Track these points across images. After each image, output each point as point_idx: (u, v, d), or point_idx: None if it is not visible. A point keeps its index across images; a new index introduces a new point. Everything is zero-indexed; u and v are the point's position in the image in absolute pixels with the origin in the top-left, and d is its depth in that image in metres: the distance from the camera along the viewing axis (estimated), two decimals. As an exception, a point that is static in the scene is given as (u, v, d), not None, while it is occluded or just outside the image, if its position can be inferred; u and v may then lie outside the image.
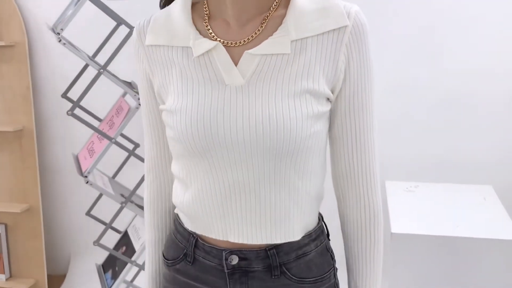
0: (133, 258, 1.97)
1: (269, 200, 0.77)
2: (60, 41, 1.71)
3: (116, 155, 2.17)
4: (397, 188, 2.07)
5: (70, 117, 1.84)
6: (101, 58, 1.92)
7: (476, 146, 2.19)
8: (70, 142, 2.47)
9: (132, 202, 1.99)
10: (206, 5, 0.81)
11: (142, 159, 1.85)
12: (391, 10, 2.14)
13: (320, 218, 0.88)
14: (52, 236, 2.65)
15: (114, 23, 1.95)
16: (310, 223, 0.83)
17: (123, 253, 2.05)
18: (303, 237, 0.82)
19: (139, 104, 1.86)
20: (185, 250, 0.85)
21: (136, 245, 2.02)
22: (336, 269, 0.88)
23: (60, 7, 1.96)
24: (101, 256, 2.28)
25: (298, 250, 0.81)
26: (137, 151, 1.97)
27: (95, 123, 2.09)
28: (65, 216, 2.63)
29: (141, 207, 1.98)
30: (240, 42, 0.76)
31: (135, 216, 2.15)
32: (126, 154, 2.13)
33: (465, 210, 1.86)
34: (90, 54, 1.94)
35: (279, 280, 0.81)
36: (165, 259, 0.89)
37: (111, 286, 2.03)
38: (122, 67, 2.06)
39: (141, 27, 0.83)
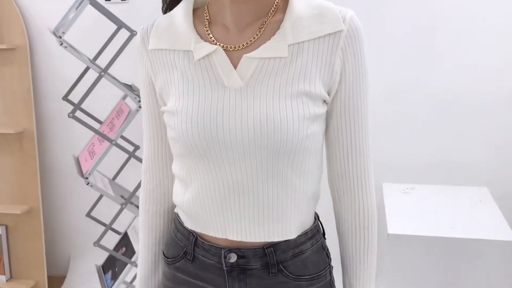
0: (132, 259, 1.99)
1: (267, 198, 0.79)
2: (61, 44, 1.73)
3: (116, 157, 2.19)
4: (394, 190, 2.10)
5: (71, 119, 1.86)
6: (102, 61, 1.95)
7: (472, 149, 2.22)
8: (70, 144, 2.49)
9: (132, 203, 2.01)
10: (206, 11, 0.83)
11: (142, 161, 1.87)
12: (390, 11, 2.16)
13: (316, 217, 0.90)
14: (52, 238, 2.66)
15: (114, 27, 1.98)
16: (307, 222, 0.86)
17: (123, 254, 2.07)
18: (300, 235, 0.84)
19: (139, 107, 1.88)
20: (185, 249, 0.87)
21: (136, 246, 2.04)
22: (332, 267, 0.90)
23: (61, 11, 1.99)
24: (101, 257, 2.30)
25: (294, 249, 0.83)
26: (137, 153, 1.99)
27: (96, 125, 2.11)
28: (65, 218, 2.64)
29: (141, 208, 2.00)
30: (239, 46, 0.79)
31: (135, 218, 2.17)
32: (126, 156, 2.15)
33: (461, 211, 1.88)
34: (91, 57, 1.96)
35: (276, 277, 0.83)
36: (166, 257, 0.91)
37: (111, 286, 2.05)
38: (122, 70, 2.09)
39: (144, 32, 0.85)
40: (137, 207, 2.04)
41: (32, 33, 2.40)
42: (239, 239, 0.81)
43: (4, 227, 2.47)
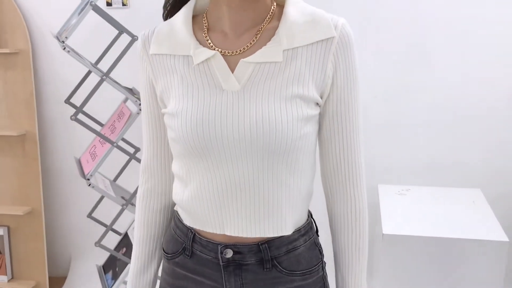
0: (133, 259, 2.02)
1: (262, 195, 0.83)
2: (64, 48, 1.77)
3: (117, 159, 2.23)
4: (389, 191, 2.13)
5: (72, 122, 1.89)
6: (103, 65, 1.99)
7: (466, 151, 2.25)
8: (72, 147, 2.52)
9: (132, 204, 2.05)
10: (205, 18, 0.87)
11: (142, 163, 1.91)
12: (387, 16, 2.20)
13: (309, 215, 0.94)
14: (53, 238, 2.69)
15: (116, 32, 2.02)
16: (300, 219, 0.89)
17: (123, 254, 2.10)
18: (293, 232, 0.88)
19: (140, 110, 1.92)
20: (183, 245, 0.91)
21: (136, 247, 2.08)
22: (325, 263, 0.94)
23: (63, 16, 2.03)
24: (102, 258, 2.33)
25: (288, 245, 0.87)
26: (138, 155, 2.02)
27: (97, 128, 2.15)
28: (66, 219, 2.67)
29: (141, 209, 2.03)
30: (236, 51, 0.83)
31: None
32: (127, 158, 2.19)
33: (455, 212, 1.92)
34: (93, 61, 2.00)
35: (270, 272, 0.87)
36: (165, 253, 0.95)
37: (112, 286, 2.08)
38: (123, 74, 2.13)
39: (145, 37, 0.89)
40: (138, 208, 2.09)
41: (34, 38, 2.44)
42: (236, 235, 0.85)
43: (6, 228, 2.51)
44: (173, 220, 0.96)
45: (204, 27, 0.87)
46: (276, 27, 0.83)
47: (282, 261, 0.87)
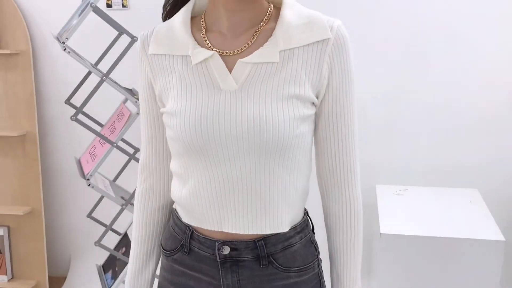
0: (132, 259, 2.04)
1: (259, 193, 0.84)
2: (65, 49, 1.79)
3: (116, 159, 2.24)
4: (387, 192, 2.15)
5: (72, 122, 1.91)
6: (103, 66, 2.00)
7: (463, 152, 2.27)
8: (72, 147, 2.54)
9: (132, 204, 2.06)
10: (203, 19, 0.89)
11: (142, 163, 1.92)
12: (386, 18, 2.22)
13: (306, 213, 0.95)
14: (53, 238, 2.70)
15: (116, 33, 2.03)
16: (296, 217, 0.91)
17: (123, 254, 2.12)
18: (289, 229, 0.89)
19: (140, 111, 1.94)
20: (182, 242, 0.92)
21: (136, 246, 2.09)
22: (321, 260, 0.96)
23: (63, 17, 2.05)
24: (101, 258, 2.34)
25: (284, 242, 0.89)
26: (137, 155, 2.04)
27: (97, 128, 2.16)
28: (66, 219, 2.68)
29: (141, 209, 2.05)
30: (234, 52, 0.85)
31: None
32: (126, 159, 2.21)
33: (452, 212, 1.93)
34: (93, 62, 2.02)
35: (267, 269, 0.88)
36: (164, 250, 0.97)
37: (111, 285, 2.10)
38: (123, 74, 2.14)
39: (144, 38, 0.91)
40: (137, 208, 2.10)
41: (35, 39, 2.46)
42: (234, 232, 0.86)
43: (6, 228, 2.52)
44: (171, 218, 0.98)
45: (202, 27, 0.88)
46: (273, 29, 0.85)
47: (278, 258, 0.88)
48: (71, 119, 1.89)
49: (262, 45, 0.84)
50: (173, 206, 0.98)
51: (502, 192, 2.25)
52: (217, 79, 0.83)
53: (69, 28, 1.80)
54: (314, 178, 0.95)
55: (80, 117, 1.96)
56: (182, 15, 0.89)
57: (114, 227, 2.19)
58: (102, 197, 2.21)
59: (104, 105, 2.24)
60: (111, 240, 2.24)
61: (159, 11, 0.98)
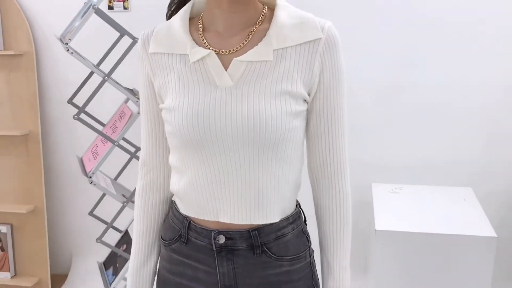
0: (133, 255, 2.08)
1: (253, 185, 0.89)
2: (68, 50, 1.84)
3: (118, 158, 2.28)
4: (382, 190, 2.19)
5: (74, 122, 1.95)
6: (105, 67, 2.05)
7: (457, 151, 2.31)
8: (74, 146, 2.58)
9: (133, 202, 2.10)
10: (201, 20, 0.94)
11: (142, 161, 1.96)
12: (381, 18, 2.26)
13: (298, 205, 1.00)
14: (55, 236, 2.74)
15: (117, 34, 2.08)
16: (288, 208, 0.95)
17: (124, 251, 2.16)
18: (282, 220, 0.93)
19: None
20: (180, 232, 0.97)
21: (136, 243, 2.13)
22: (312, 250, 1.00)
23: (66, 19, 2.08)
24: (102, 255, 2.38)
25: (277, 232, 0.93)
26: (138, 154, 2.08)
27: (99, 127, 2.20)
28: (68, 217, 2.72)
29: (141, 207, 2.09)
30: (230, 51, 0.89)
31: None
32: (127, 158, 2.25)
33: (446, 209, 1.97)
34: (95, 63, 2.06)
35: (260, 257, 0.93)
36: (163, 240, 1.01)
37: (112, 282, 2.13)
38: (124, 75, 2.18)
39: (145, 37, 0.96)
40: (138, 205, 2.14)
41: (38, 40, 2.50)
42: (229, 222, 0.91)
43: (9, 225, 2.56)
44: (170, 210, 1.02)
45: (200, 28, 0.93)
46: (267, 29, 0.89)
47: (271, 247, 0.93)
48: (73, 118, 1.93)
49: (257, 45, 0.88)
50: (172, 199, 1.02)
51: (495, 190, 2.29)
52: (214, 77, 0.88)
53: (72, 29, 1.85)
54: (307, 172, 0.99)
55: (82, 116, 2.00)
56: (181, 16, 0.94)
57: (115, 224, 2.23)
58: (103, 196, 2.25)
59: (105, 105, 2.28)
60: (112, 238, 2.28)
61: (159, 13, 1.02)
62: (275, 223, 0.92)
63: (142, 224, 1.04)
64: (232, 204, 0.90)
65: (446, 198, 2.09)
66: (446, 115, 2.30)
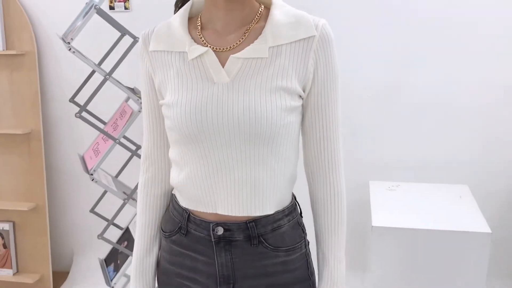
0: (134, 251, 2.11)
1: (249, 178, 0.92)
2: (70, 49, 1.87)
3: (118, 156, 2.31)
4: (380, 188, 2.21)
5: (76, 121, 1.98)
6: (106, 66, 2.08)
7: (453, 149, 2.33)
8: (75, 145, 2.60)
9: (133, 199, 2.13)
10: (199, 19, 0.97)
11: (143, 158, 1.99)
12: (380, 18, 2.29)
13: (293, 197, 1.03)
14: (56, 234, 2.77)
15: (118, 34, 2.11)
16: (284, 201, 0.98)
17: (125, 247, 2.19)
18: (278, 212, 0.97)
19: (141, 108, 2.01)
20: (180, 224, 1.00)
21: (137, 240, 2.16)
22: (308, 241, 1.03)
23: (68, 19, 2.12)
24: (103, 252, 2.40)
25: (273, 223, 0.96)
26: (139, 152, 2.11)
27: (100, 126, 2.24)
28: (69, 215, 2.75)
29: (142, 204, 2.12)
30: (227, 48, 0.92)
31: (136, 213, 2.29)
32: (128, 156, 2.28)
33: (442, 206, 2.00)
34: (96, 62, 2.09)
35: (257, 248, 0.96)
36: (163, 231, 1.04)
37: (113, 278, 2.17)
38: (125, 74, 2.22)
39: (146, 36, 0.99)
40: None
41: (40, 40, 2.53)
42: (226, 213, 0.94)
43: (11, 223, 2.59)
44: (170, 203, 1.05)
45: (198, 26, 0.96)
46: (263, 27, 0.93)
47: (268, 238, 0.96)
48: (75, 116, 1.96)
49: (253, 42, 0.91)
50: (173, 192, 1.05)
51: (491, 187, 2.32)
52: (211, 73, 0.91)
53: (74, 29, 1.88)
54: (303, 167, 1.02)
55: (84, 114, 2.03)
56: (180, 15, 0.97)
57: (116, 222, 2.26)
58: (104, 193, 2.28)
59: (106, 104, 2.31)
60: (113, 236, 2.31)
61: (160, 13, 1.05)
62: (271, 215, 0.95)
63: (144, 217, 1.07)
64: (229, 197, 0.93)
65: (442, 195, 2.12)
66: (444, 114, 2.32)
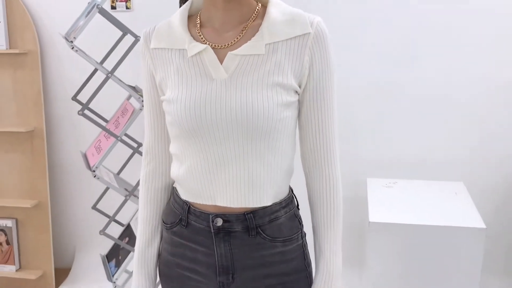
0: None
1: (247, 171, 0.95)
2: (73, 48, 1.90)
3: (120, 154, 2.35)
4: (377, 184, 2.24)
5: (78, 119, 2.01)
6: (108, 65, 2.11)
7: (449, 147, 2.36)
8: (77, 143, 2.64)
9: (135, 195, 2.17)
10: (199, 17, 1.01)
11: (144, 155, 2.02)
12: (375, 16, 2.32)
13: (291, 190, 1.06)
14: (59, 230, 2.80)
15: (120, 33, 2.15)
16: (281, 193, 1.02)
17: (126, 243, 2.22)
18: (275, 204, 1.00)
19: (143, 106, 2.05)
20: (180, 216, 1.03)
21: (138, 236, 2.19)
22: (304, 233, 1.06)
23: (70, 18, 2.15)
24: (105, 249, 2.44)
25: (270, 215, 0.99)
26: (141, 149, 2.14)
27: (102, 123, 2.27)
28: (71, 212, 2.78)
29: (143, 200, 2.15)
30: (225, 45, 0.96)
31: (137, 210, 2.32)
32: (129, 154, 2.32)
33: (438, 202, 2.02)
34: (98, 61, 2.13)
35: (255, 239, 0.99)
36: (165, 223, 1.07)
37: (115, 273, 2.20)
38: (127, 72, 2.25)
39: (147, 34, 1.03)
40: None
41: (43, 39, 2.56)
42: (225, 205, 0.97)
43: (14, 220, 2.62)
44: (172, 195, 1.09)
45: (197, 24, 1.00)
46: (260, 25, 0.96)
47: (265, 229, 0.99)
48: (78, 113, 2.00)
49: (250, 39, 0.94)
50: (174, 185, 1.08)
51: (486, 185, 2.35)
52: (210, 70, 0.94)
53: (77, 28, 1.91)
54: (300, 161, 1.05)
55: (86, 112, 2.06)
56: (180, 14, 1.00)
57: (117, 218, 2.29)
58: (106, 190, 2.32)
59: (108, 102, 2.34)
60: (115, 232, 2.34)
61: (160, 12, 1.09)
62: (269, 206, 0.99)
63: (146, 209, 1.10)
64: (228, 189, 0.97)
65: (438, 192, 2.15)
66: (440, 112, 2.35)
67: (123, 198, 2.16)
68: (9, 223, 2.62)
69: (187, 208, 1.02)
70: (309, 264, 1.06)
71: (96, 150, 2.15)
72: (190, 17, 1.03)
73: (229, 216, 0.98)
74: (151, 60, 1.01)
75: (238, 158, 0.94)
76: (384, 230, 1.85)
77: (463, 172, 2.33)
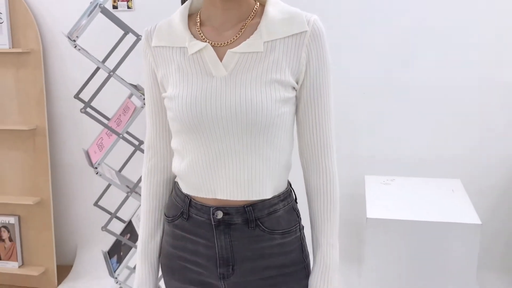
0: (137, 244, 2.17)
1: (246, 166, 0.98)
2: (75, 47, 1.93)
3: (122, 151, 2.38)
4: (375, 182, 2.27)
5: (80, 118, 2.04)
6: (110, 63, 2.14)
7: (446, 145, 2.39)
8: (79, 141, 2.67)
9: (136, 192, 2.20)
10: (199, 16, 1.04)
11: (145, 153, 2.05)
12: (375, 15, 2.35)
13: (289, 184, 1.09)
14: (61, 227, 2.83)
15: (122, 32, 2.18)
16: (280, 187, 1.04)
17: (128, 239, 2.25)
18: (274, 197, 1.03)
19: (144, 104, 2.08)
20: (182, 209, 1.06)
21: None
22: (302, 226, 1.09)
23: (72, 18, 2.18)
24: (106, 246, 2.47)
25: (269, 208, 1.02)
26: (142, 147, 2.17)
27: (104, 121, 2.30)
28: (73, 209, 2.82)
29: (144, 197, 2.18)
30: (224, 43, 0.99)
31: (139, 207, 2.35)
32: (131, 152, 2.34)
33: (435, 199, 2.05)
34: (100, 60, 2.16)
35: (254, 231, 1.02)
36: (167, 216, 1.11)
37: (116, 269, 2.23)
38: (129, 71, 2.28)
39: (148, 32, 1.06)
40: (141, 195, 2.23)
41: (45, 38, 2.60)
42: (225, 198, 1.00)
43: (17, 217, 2.66)
44: (173, 190, 1.12)
45: (197, 23, 1.03)
46: (258, 23, 0.99)
47: (264, 222, 1.02)
48: (80, 111, 2.02)
49: (249, 37, 0.97)
50: (175, 180, 1.11)
51: (482, 182, 2.38)
52: (210, 67, 0.97)
53: (79, 27, 1.94)
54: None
55: (88, 110, 2.09)
56: (180, 13, 1.04)
57: (119, 215, 2.32)
58: (108, 187, 2.35)
59: (110, 100, 2.37)
60: (116, 229, 2.37)
61: (161, 12, 1.11)
62: (268, 200, 1.02)
63: (148, 203, 1.13)
64: (227, 183, 1.00)
65: (435, 189, 2.18)
66: (437, 110, 2.38)
67: (125, 195, 2.19)
68: (11, 220, 2.65)
69: (188, 202, 1.05)
70: (307, 256, 1.09)
71: (98, 148, 2.18)
72: (190, 15, 1.06)
73: (229, 209, 1.01)
74: (153, 58, 1.04)
75: (237, 153, 0.97)
76: (382, 226, 1.88)
77: (460, 169, 2.36)
